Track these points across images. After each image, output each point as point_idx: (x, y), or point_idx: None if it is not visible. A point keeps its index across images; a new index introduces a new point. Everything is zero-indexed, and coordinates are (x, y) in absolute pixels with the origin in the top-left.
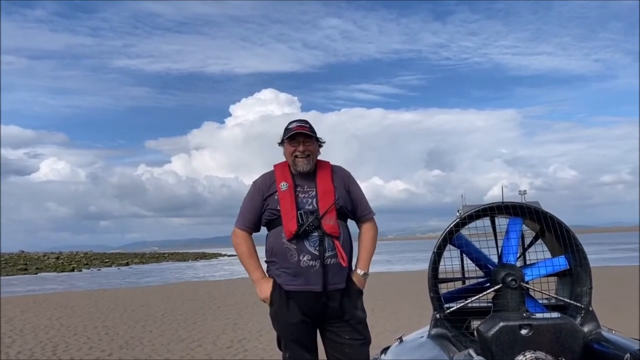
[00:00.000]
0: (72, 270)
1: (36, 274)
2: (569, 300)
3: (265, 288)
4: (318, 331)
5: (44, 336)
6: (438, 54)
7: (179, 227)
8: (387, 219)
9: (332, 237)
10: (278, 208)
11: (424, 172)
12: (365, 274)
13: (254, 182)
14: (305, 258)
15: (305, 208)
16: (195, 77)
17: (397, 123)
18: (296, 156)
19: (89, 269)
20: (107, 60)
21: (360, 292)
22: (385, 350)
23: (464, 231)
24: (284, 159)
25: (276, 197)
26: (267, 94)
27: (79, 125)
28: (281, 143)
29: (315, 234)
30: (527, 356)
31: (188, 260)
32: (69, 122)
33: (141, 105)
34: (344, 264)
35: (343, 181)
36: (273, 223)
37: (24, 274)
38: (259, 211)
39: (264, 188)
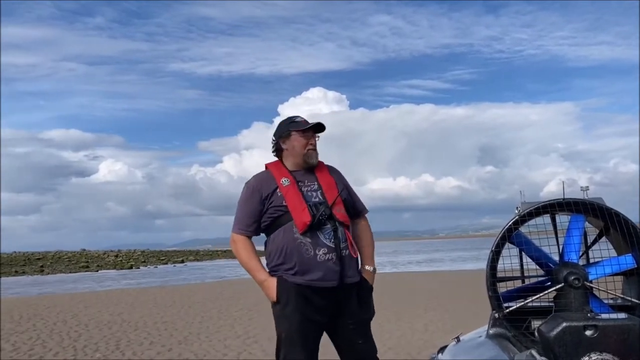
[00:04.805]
0: (131, 267)
1: (97, 271)
2: (636, 301)
3: (274, 288)
4: (326, 330)
5: (107, 331)
6: (491, 47)
7: (231, 225)
8: (438, 217)
9: (344, 226)
10: (284, 203)
11: (477, 169)
12: (375, 270)
13: (246, 184)
14: (321, 252)
15: (312, 201)
16: (245, 79)
17: (448, 118)
18: (309, 149)
19: (146, 266)
20: (162, 65)
21: (372, 289)
22: (442, 349)
23: (523, 229)
24: (273, 160)
25: (279, 193)
26: (315, 92)
27: (135, 128)
28: (285, 135)
29: (328, 225)
30: (593, 358)
31: None
32: (126, 124)
33: (194, 108)
34: (354, 255)
35: (339, 177)
36: (279, 221)
37: (86, 271)
38: (258, 214)
39: (262, 188)
